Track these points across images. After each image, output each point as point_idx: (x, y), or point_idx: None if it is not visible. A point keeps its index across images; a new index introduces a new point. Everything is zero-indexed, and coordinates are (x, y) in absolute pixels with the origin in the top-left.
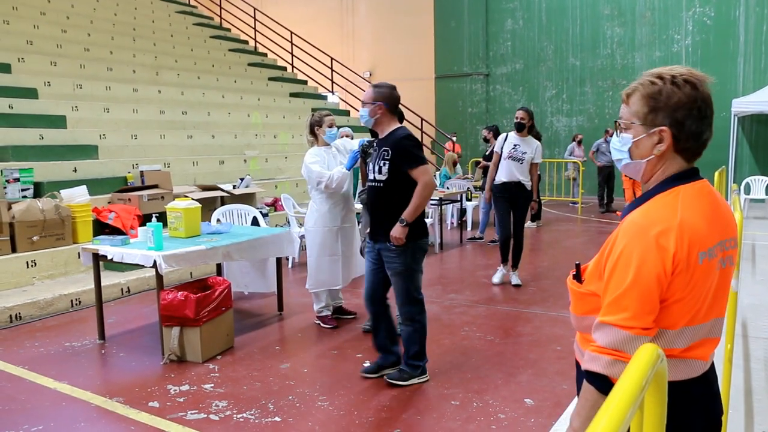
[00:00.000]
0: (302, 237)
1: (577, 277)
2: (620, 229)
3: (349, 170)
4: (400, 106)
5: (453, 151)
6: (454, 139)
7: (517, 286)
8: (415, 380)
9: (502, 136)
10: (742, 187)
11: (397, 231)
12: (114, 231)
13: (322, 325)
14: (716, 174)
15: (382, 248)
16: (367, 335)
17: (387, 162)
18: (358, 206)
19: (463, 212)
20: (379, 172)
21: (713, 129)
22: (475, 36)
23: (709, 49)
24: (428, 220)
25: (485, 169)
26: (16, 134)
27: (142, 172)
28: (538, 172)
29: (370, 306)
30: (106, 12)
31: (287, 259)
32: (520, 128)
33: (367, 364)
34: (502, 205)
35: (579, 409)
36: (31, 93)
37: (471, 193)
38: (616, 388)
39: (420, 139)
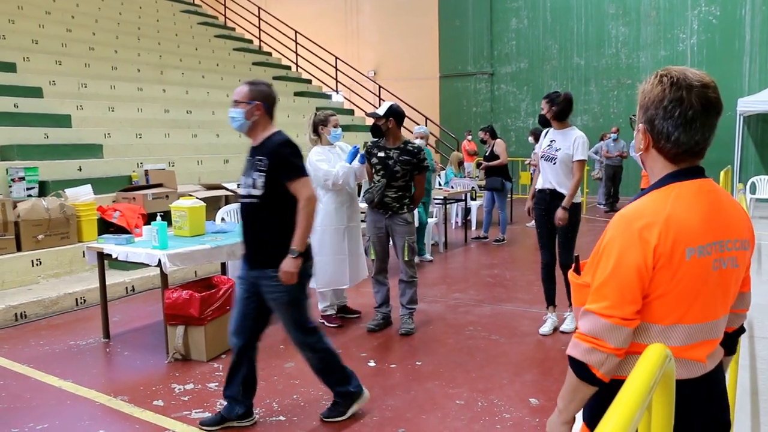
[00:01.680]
0: None
1: (577, 270)
2: (611, 220)
3: (350, 164)
4: (402, 104)
5: (465, 149)
6: (470, 137)
7: (565, 333)
8: (354, 407)
9: (544, 132)
10: (747, 187)
11: (290, 265)
12: (119, 230)
13: (326, 324)
14: (722, 174)
15: (259, 276)
16: (372, 334)
17: (262, 174)
18: (363, 205)
19: (467, 211)
20: (253, 185)
21: (718, 128)
22: (480, 35)
23: (714, 48)
24: (433, 220)
25: (486, 170)
26: (22, 133)
27: (146, 171)
28: (580, 174)
29: (234, 339)
30: (111, 11)
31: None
32: (543, 122)
33: (207, 416)
34: (537, 219)
35: (563, 392)
36: (36, 92)
37: (476, 193)
38: (624, 388)
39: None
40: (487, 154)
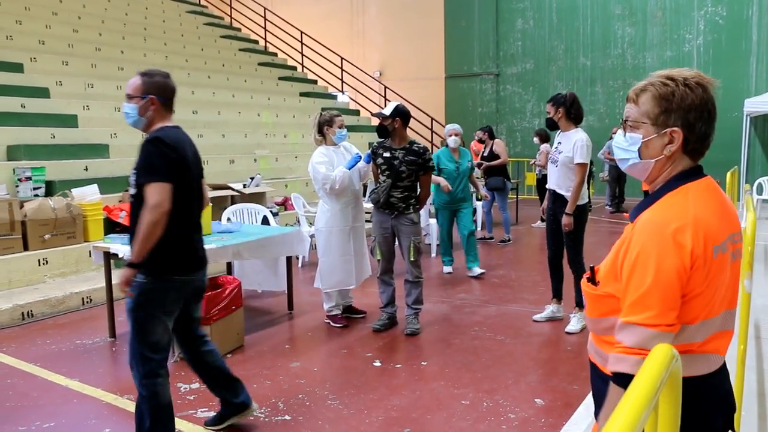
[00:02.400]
0: (312, 236)
1: (592, 280)
2: (635, 229)
3: (349, 170)
4: (408, 105)
5: (474, 150)
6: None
7: (571, 333)
8: None
9: (558, 133)
10: (754, 188)
11: (120, 275)
12: (125, 229)
13: (332, 324)
14: (728, 174)
15: None
16: (377, 334)
17: (134, 172)
18: (369, 205)
19: (473, 212)
20: (131, 184)
21: (724, 129)
22: (486, 36)
23: (721, 48)
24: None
25: (486, 171)
26: (28, 133)
27: None
28: (580, 177)
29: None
30: (117, 12)
31: (297, 258)
32: (550, 125)
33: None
34: (547, 217)
35: (609, 411)
36: (42, 92)
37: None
38: (630, 389)
39: (430, 139)
40: (486, 154)
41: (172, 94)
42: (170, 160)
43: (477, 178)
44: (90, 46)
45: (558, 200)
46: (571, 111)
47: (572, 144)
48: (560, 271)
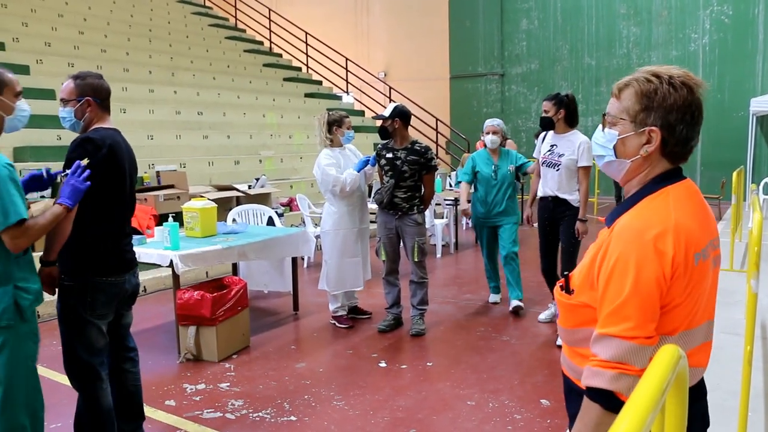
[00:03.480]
0: (318, 237)
1: (566, 288)
2: (613, 234)
3: (358, 172)
4: (412, 106)
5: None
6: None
7: (541, 321)
8: None
9: (543, 134)
10: (760, 188)
11: (44, 272)
12: (132, 231)
13: (337, 324)
14: (734, 174)
15: None
16: (383, 335)
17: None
18: (373, 206)
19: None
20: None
21: (730, 128)
22: (490, 36)
23: (727, 47)
24: (443, 221)
25: None
26: (35, 135)
27: (158, 172)
28: (587, 181)
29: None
30: (123, 14)
31: (302, 259)
32: (546, 125)
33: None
34: (540, 227)
35: (581, 428)
36: (48, 94)
37: None
38: (638, 389)
39: (435, 140)
40: None
41: (107, 94)
42: (96, 160)
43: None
44: (95, 47)
45: (560, 205)
46: (571, 113)
47: (576, 146)
48: (556, 276)
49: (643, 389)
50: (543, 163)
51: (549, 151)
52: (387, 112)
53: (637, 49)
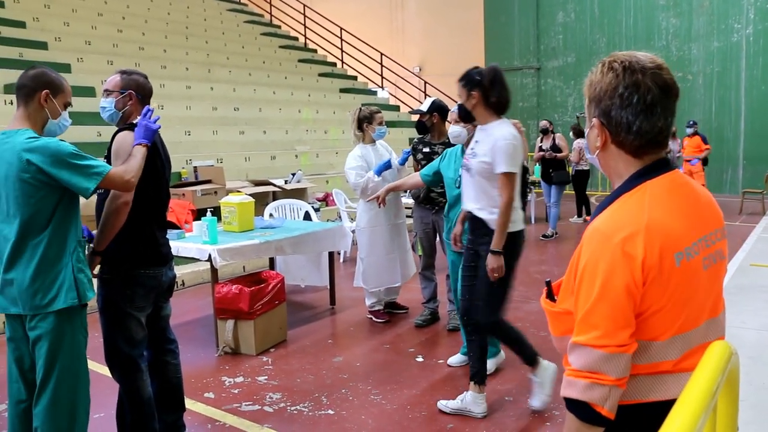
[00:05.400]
0: (354, 232)
1: (550, 296)
2: (583, 237)
3: (378, 176)
4: (448, 100)
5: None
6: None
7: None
8: None
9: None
10: None
11: (91, 262)
12: (169, 225)
13: (374, 319)
14: None
15: None
16: (419, 330)
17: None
18: (410, 200)
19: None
20: None
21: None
22: (526, 30)
23: None
24: None
25: (553, 164)
26: (76, 132)
27: (195, 167)
28: (507, 193)
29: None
30: (160, 12)
31: (339, 254)
32: (464, 117)
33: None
34: (465, 251)
35: None
36: (89, 91)
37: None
38: (689, 389)
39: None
40: (549, 146)
41: (149, 93)
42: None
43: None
44: (134, 45)
45: (479, 227)
46: (491, 94)
47: (490, 146)
48: (476, 320)
49: (693, 391)
50: (462, 166)
51: (472, 149)
52: (425, 107)
53: (677, 41)
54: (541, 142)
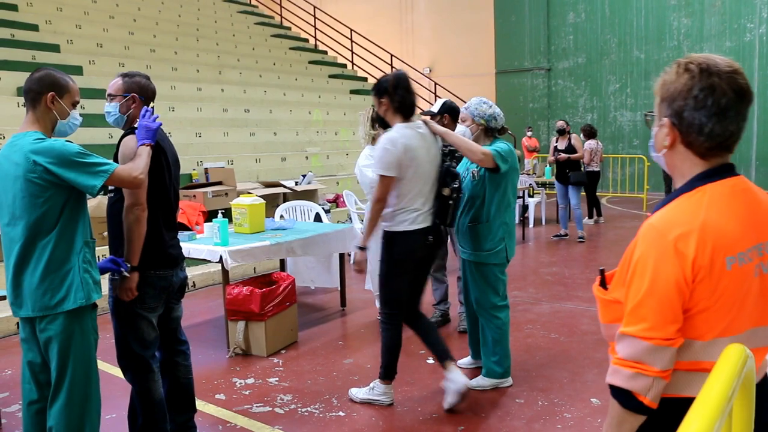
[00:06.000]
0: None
1: (603, 284)
2: (639, 232)
3: None
4: (458, 101)
5: (525, 145)
6: (530, 133)
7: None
8: None
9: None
10: None
11: (125, 282)
12: (180, 227)
13: None
14: None
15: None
16: None
17: None
18: None
19: (525, 209)
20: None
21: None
22: (536, 30)
23: None
24: None
25: (568, 165)
26: (87, 134)
27: (206, 169)
28: (377, 193)
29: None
30: (171, 14)
31: (349, 255)
32: (382, 123)
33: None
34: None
35: (606, 426)
36: (100, 94)
37: (533, 190)
38: (703, 394)
39: None
40: (564, 147)
41: (152, 94)
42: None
43: (529, 174)
44: (145, 47)
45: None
46: (394, 98)
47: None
48: (418, 320)
49: (709, 395)
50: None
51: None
52: (435, 108)
53: (689, 41)
54: (557, 142)
